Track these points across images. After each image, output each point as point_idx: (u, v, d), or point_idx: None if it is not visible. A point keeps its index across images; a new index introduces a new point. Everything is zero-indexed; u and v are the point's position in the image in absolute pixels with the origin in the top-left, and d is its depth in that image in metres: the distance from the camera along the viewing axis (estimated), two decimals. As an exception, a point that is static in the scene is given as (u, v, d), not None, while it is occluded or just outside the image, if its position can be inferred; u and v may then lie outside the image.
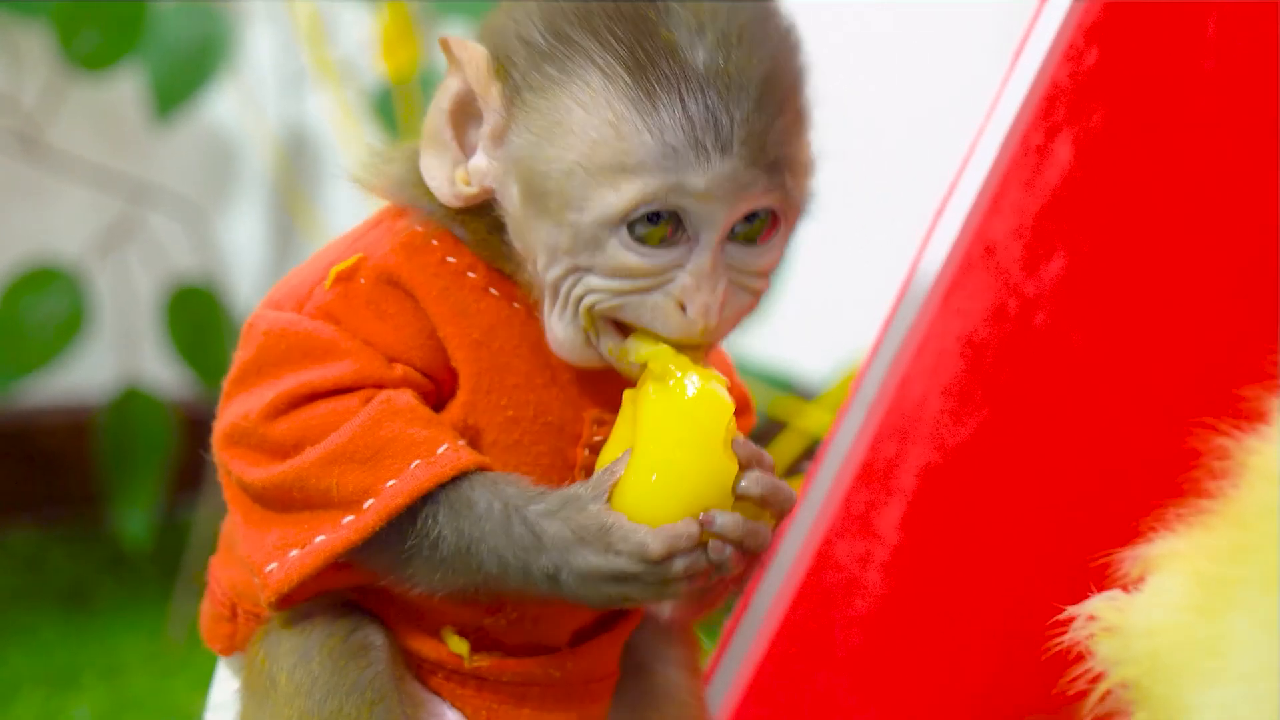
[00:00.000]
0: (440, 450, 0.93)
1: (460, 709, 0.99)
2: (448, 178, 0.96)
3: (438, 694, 0.99)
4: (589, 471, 0.97)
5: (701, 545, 0.93)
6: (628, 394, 0.96)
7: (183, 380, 2.04)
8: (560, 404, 0.97)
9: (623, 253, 0.93)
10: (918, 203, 1.28)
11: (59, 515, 2.05)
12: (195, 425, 2.03)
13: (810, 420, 1.72)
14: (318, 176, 2.11)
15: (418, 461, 0.93)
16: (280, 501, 0.94)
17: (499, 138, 0.95)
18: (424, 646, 0.98)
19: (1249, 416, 1.00)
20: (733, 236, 0.94)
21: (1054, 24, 1.15)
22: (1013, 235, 1.19)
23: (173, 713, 1.65)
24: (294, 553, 0.93)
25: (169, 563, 1.98)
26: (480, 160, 0.95)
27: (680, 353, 0.94)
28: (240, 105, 2.10)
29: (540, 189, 0.93)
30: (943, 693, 1.28)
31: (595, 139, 0.92)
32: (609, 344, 0.95)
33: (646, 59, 0.91)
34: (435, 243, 0.97)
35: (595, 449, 0.97)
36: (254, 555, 0.95)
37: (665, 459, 0.93)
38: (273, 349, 0.96)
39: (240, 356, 0.97)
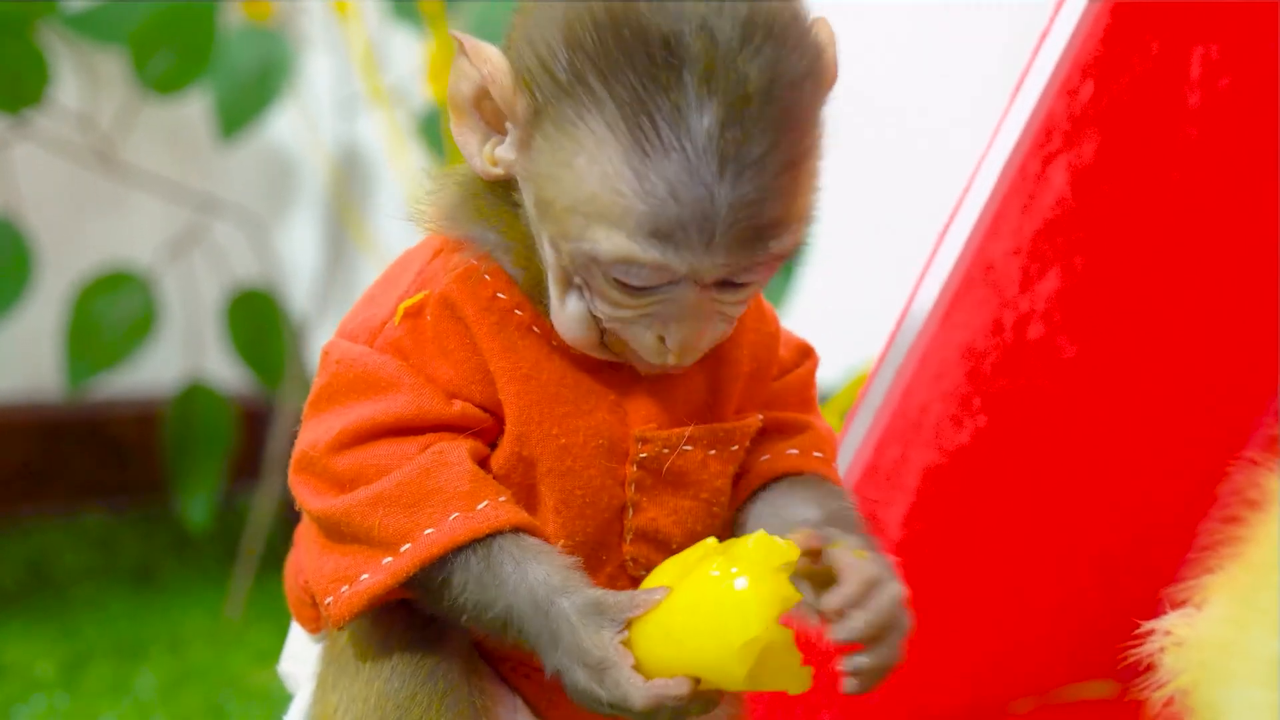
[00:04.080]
0: (480, 506, 0.91)
1: (525, 697, 0.98)
2: (477, 153, 0.92)
3: (507, 682, 0.98)
4: (640, 487, 0.95)
5: (690, 699, 0.88)
6: (710, 541, 0.91)
7: (242, 377, 2.04)
8: (608, 426, 0.94)
9: (608, 288, 0.89)
10: (923, 223, 1.28)
11: (128, 500, 2.05)
12: (253, 418, 2.05)
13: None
14: (369, 192, 2.10)
15: (456, 514, 0.90)
16: (334, 532, 0.93)
17: (522, 147, 0.90)
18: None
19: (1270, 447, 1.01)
20: (716, 283, 0.90)
21: (1052, 60, 1.15)
22: (1010, 255, 1.18)
23: (230, 683, 1.65)
24: (344, 589, 0.91)
25: (229, 544, 1.98)
26: (506, 153, 0.91)
27: (772, 548, 0.89)
28: (299, 126, 2.10)
29: (546, 210, 0.90)
30: (942, 673, 1.27)
31: (593, 190, 0.87)
32: (613, 340, 0.92)
33: (649, 123, 0.86)
34: (488, 277, 0.94)
35: (643, 465, 0.95)
36: (315, 583, 0.93)
37: (684, 633, 0.88)
38: (342, 378, 0.94)
39: (316, 382, 0.95)
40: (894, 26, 1.78)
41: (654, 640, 0.88)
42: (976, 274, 1.17)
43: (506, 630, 0.91)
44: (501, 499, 0.92)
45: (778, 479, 0.98)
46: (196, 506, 1.94)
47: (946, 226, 1.17)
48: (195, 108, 2.04)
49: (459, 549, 0.90)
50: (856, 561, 0.89)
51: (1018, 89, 1.15)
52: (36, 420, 2.02)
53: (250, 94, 1.93)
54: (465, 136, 0.93)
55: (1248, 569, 0.93)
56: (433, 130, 1.91)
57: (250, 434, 2.02)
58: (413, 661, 0.95)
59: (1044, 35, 1.15)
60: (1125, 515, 1.31)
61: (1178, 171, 1.22)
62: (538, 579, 0.90)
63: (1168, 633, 0.95)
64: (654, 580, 0.91)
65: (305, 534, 0.97)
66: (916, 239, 1.26)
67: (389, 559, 0.90)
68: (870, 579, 0.89)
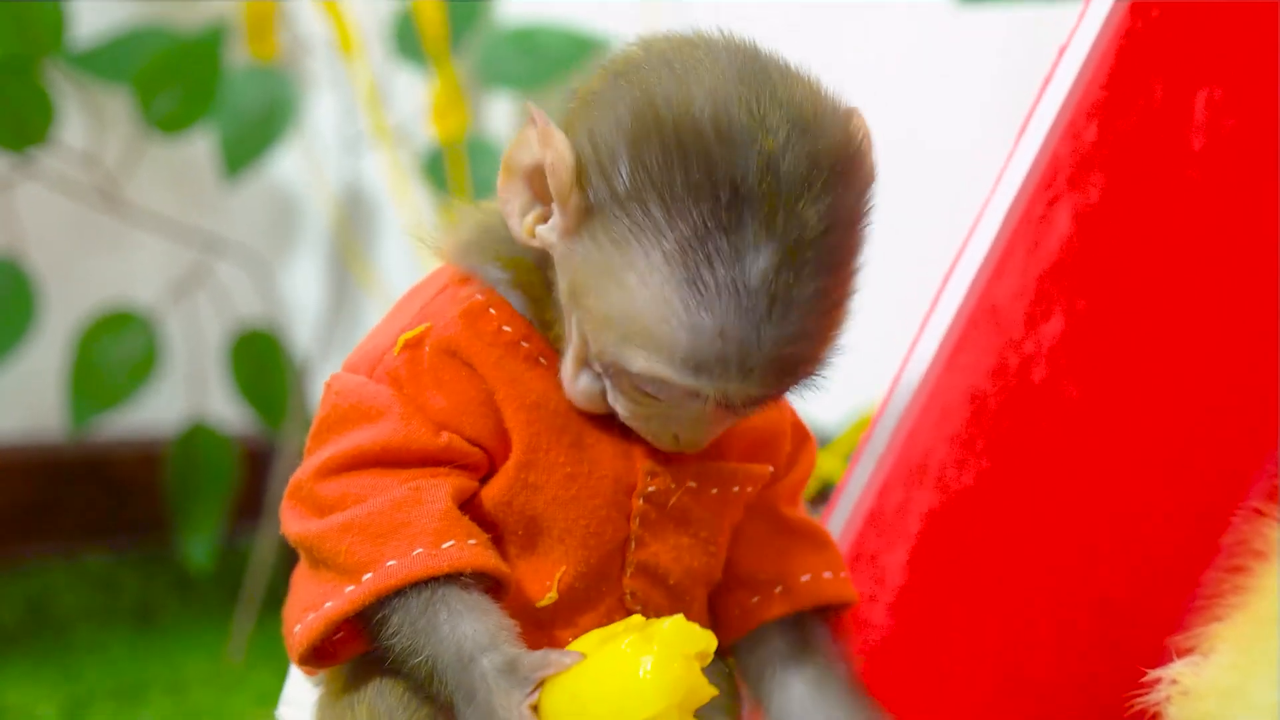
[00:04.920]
0: (445, 545, 0.90)
1: None
2: (518, 218, 0.92)
3: None
4: (644, 521, 0.95)
5: None
6: (636, 618, 0.93)
7: (245, 417, 2.04)
8: (613, 457, 0.94)
9: (630, 389, 0.90)
10: (927, 265, 1.27)
11: (130, 540, 2.04)
12: (256, 459, 2.04)
13: (823, 465, 1.71)
14: (373, 231, 2.11)
15: (419, 549, 0.90)
16: (308, 557, 0.93)
17: (569, 234, 0.90)
18: None
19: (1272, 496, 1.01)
20: None
21: (1056, 103, 1.15)
22: (1015, 297, 1.18)
23: (231, 725, 1.65)
24: (310, 615, 0.91)
25: (231, 586, 1.97)
26: (549, 233, 0.91)
27: (689, 634, 0.90)
28: (303, 165, 2.10)
29: (581, 305, 0.90)
30: (942, 718, 1.27)
31: (637, 311, 0.87)
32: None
33: (706, 262, 0.86)
34: (493, 311, 0.95)
35: (649, 499, 0.95)
36: (290, 611, 0.93)
37: (589, 702, 0.88)
38: (339, 409, 0.94)
39: (317, 415, 0.96)
40: (898, 69, 1.78)
41: (560, 705, 0.88)
42: (981, 316, 1.17)
43: (430, 682, 0.90)
44: (471, 541, 0.91)
45: (810, 647, 1.01)
46: (198, 547, 1.94)
47: (951, 269, 1.17)
48: (200, 147, 2.05)
49: (411, 585, 0.89)
50: None
51: (1022, 131, 1.15)
52: (38, 460, 2.02)
53: (255, 133, 1.94)
54: (510, 197, 0.92)
55: (1253, 619, 0.93)
56: (437, 170, 1.91)
57: (253, 474, 2.02)
58: (410, 708, 0.94)
59: (1049, 78, 1.15)
60: (1127, 560, 1.30)
61: (1182, 214, 1.21)
62: (465, 634, 0.90)
63: (1174, 681, 0.95)
64: (577, 645, 0.91)
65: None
66: (921, 281, 1.25)
67: (351, 587, 0.90)
68: None
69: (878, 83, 1.77)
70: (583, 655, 0.89)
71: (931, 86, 1.76)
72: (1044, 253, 1.18)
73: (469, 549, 0.91)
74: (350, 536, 0.90)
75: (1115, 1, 1.14)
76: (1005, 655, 1.25)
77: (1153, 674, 0.95)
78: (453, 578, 0.90)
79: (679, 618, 0.90)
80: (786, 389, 0.91)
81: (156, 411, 2.06)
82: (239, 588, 1.93)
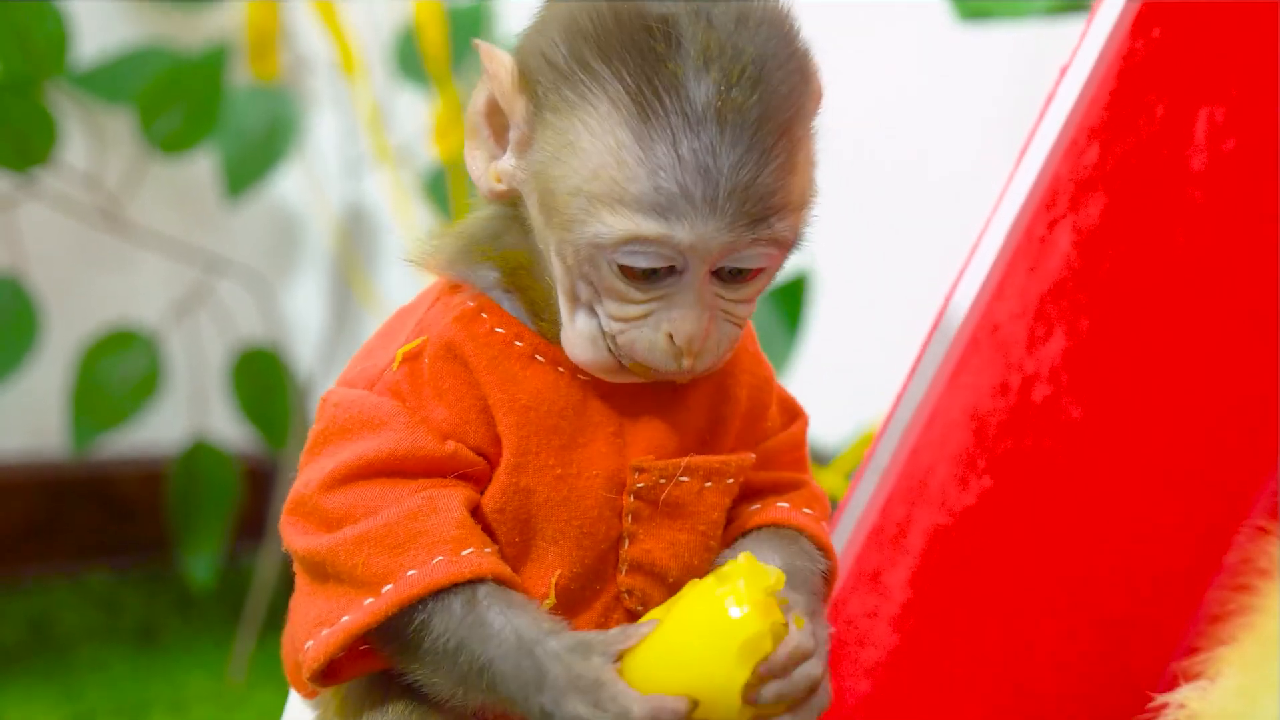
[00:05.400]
0: (465, 552, 0.90)
1: None
2: (483, 171, 0.94)
3: None
4: (636, 517, 0.95)
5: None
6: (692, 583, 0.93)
7: (247, 436, 2.04)
8: (604, 457, 0.95)
9: (614, 280, 0.90)
10: (929, 284, 1.28)
11: (132, 559, 2.04)
12: (258, 478, 2.05)
13: (825, 482, 1.71)
14: (375, 251, 2.11)
15: (440, 557, 0.90)
16: (319, 573, 0.92)
17: (523, 148, 0.92)
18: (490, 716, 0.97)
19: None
20: (720, 273, 0.91)
21: (1058, 123, 1.15)
22: (1016, 316, 1.18)
23: (233, 744, 1.65)
24: (325, 631, 0.91)
25: (233, 605, 1.97)
26: (507, 163, 0.93)
27: (756, 574, 0.90)
28: (305, 185, 2.10)
29: (550, 204, 0.91)
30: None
31: (596, 165, 0.89)
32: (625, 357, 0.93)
33: (651, 91, 0.88)
34: (485, 315, 0.95)
35: (640, 494, 0.95)
36: (299, 629, 0.93)
37: (681, 657, 0.89)
38: (339, 421, 0.94)
39: (314, 428, 0.95)
40: (900, 88, 1.78)
41: (647, 668, 0.89)
42: (982, 336, 1.17)
43: (480, 678, 0.90)
44: (487, 550, 0.91)
45: (759, 528, 0.99)
46: (200, 566, 1.94)
47: (953, 288, 1.17)
48: (202, 167, 2.05)
49: (439, 592, 0.89)
50: (791, 629, 0.90)
51: (1024, 151, 1.16)
52: (41, 479, 2.02)
53: (256, 153, 1.94)
54: (474, 158, 0.94)
55: (1259, 640, 0.93)
56: (438, 190, 1.91)
57: (255, 493, 2.02)
58: (404, 715, 0.94)
59: (1050, 97, 1.16)
60: (1128, 577, 1.30)
61: (1183, 234, 1.22)
62: (524, 624, 0.90)
63: (1181, 705, 0.95)
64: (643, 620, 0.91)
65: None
66: (923, 300, 1.26)
67: (370, 599, 0.90)
68: (797, 651, 0.90)
69: (880, 103, 1.78)
70: (657, 621, 0.90)
71: (933, 106, 1.76)
72: (1045, 272, 1.18)
73: (487, 557, 0.91)
74: (366, 549, 0.90)
75: (1117, 22, 1.15)
76: (1007, 672, 1.25)
77: (1160, 699, 0.95)
78: (476, 584, 0.90)
79: (748, 554, 0.91)
80: (760, 240, 0.90)
81: (158, 430, 2.06)
82: (241, 607, 1.93)
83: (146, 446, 2.07)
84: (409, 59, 1.94)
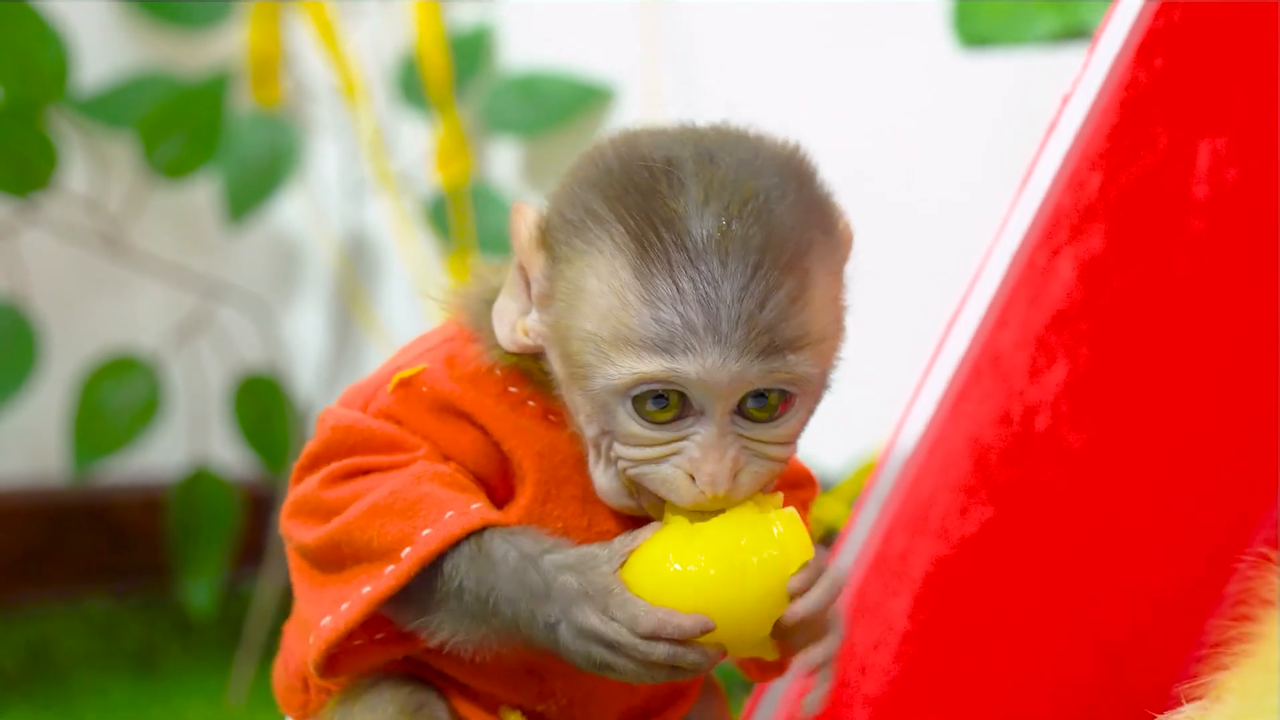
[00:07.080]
0: (474, 506, 0.91)
1: None
2: (511, 324, 0.94)
3: None
4: None
5: (692, 642, 0.88)
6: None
7: (247, 462, 2.04)
8: (607, 516, 0.95)
9: (630, 423, 0.90)
10: (931, 313, 1.28)
11: (131, 585, 2.04)
12: (258, 504, 2.04)
13: (826, 510, 1.71)
14: (376, 277, 2.11)
15: (451, 513, 0.90)
16: (333, 560, 0.93)
17: (544, 303, 0.92)
18: None
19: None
20: (745, 412, 0.90)
21: (1060, 152, 1.15)
22: (1018, 346, 1.18)
23: (232, 771, 1.64)
24: (344, 605, 0.91)
25: (232, 631, 1.97)
26: (533, 319, 0.93)
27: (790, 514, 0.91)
28: (306, 211, 2.10)
29: (567, 354, 0.91)
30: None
31: (605, 309, 0.88)
32: (650, 503, 0.92)
33: (651, 229, 0.87)
34: (499, 372, 0.95)
35: None
36: (312, 614, 0.93)
37: (712, 579, 0.88)
38: (339, 441, 0.95)
39: (309, 446, 0.96)
40: (902, 116, 1.78)
41: (653, 574, 0.89)
42: (984, 365, 1.17)
43: (488, 606, 0.90)
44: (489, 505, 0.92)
45: None
46: (200, 592, 1.94)
47: (954, 317, 1.17)
48: (203, 193, 2.05)
49: (456, 545, 0.90)
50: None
51: (1025, 180, 1.16)
52: (40, 504, 2.02)
53: (258, 179, 1.94)
54: (505, 309, 0.94)
55: (1261, 667, 0.93)
56: (440, 216, 1.92)
57: (255, 519, 2.02)
58: None
59: (1052, 127, 1.16)
60: (1130, 606, 1.30)
61: (1185, 263, 1.22)
62: (526, 543, 0.90)
63: None
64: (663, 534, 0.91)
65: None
66: (924, 329, 1.26)
67: (390, 566, 0.90)
68: (827, 577, 0.91)
69: (881, 130, 1.78)
70: (659, 523, 0.90)
71: (935, 134, 1.76)
72: (1047, 302, 1.18)
73: (492, 511, 0.92)
74: (379, 518, 0.91)
75: (1120, 51, 1.15)
76: (1009, 700, 1.24)
77: (1160, 719, 0.95)
78: (484, 530, 0.90)
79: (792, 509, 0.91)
80: (774, 371, 0.89)
81: (158, 456, 2.06)
82: (240, 632, 1.93)
83: (146, 472, 2.07)
84: (411, 85, 1.94)
